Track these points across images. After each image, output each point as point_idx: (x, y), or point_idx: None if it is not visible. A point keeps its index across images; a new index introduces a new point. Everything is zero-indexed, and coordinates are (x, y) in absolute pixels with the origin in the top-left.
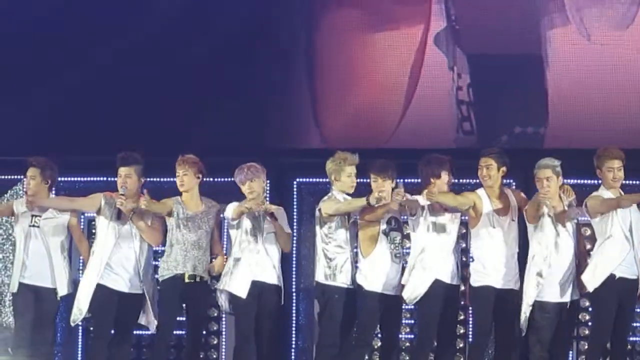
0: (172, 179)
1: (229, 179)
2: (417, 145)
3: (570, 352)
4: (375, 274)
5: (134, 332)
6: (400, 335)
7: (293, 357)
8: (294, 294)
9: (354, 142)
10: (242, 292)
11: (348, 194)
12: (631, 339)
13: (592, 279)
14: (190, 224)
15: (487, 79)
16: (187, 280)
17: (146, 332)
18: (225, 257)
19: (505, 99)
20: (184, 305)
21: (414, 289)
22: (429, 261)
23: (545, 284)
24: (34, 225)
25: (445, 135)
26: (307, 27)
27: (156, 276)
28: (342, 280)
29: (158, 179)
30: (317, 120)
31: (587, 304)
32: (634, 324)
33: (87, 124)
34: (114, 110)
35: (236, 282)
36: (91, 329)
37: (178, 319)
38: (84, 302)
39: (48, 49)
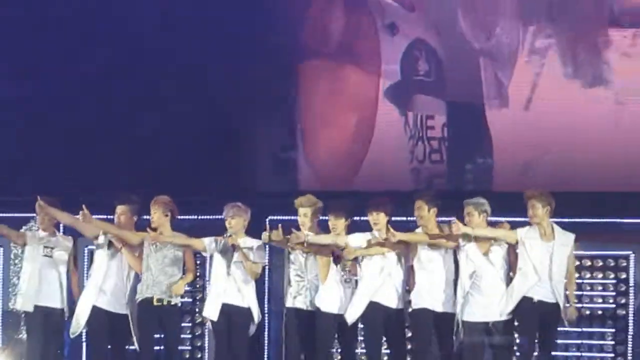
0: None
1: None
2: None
3: None
4: (329, 297)
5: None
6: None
7: None
8: (267, 314)
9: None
10: (214, 314)
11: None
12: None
13: (505, 305)
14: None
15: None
16: (155, 303)
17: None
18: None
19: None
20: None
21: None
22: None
23: (473, 304)
24: (46, 255)
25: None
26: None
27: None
28: (304, 302)
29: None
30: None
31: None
32: (560, 341)
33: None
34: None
35: (209, 306)
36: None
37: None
38: (82, 318)
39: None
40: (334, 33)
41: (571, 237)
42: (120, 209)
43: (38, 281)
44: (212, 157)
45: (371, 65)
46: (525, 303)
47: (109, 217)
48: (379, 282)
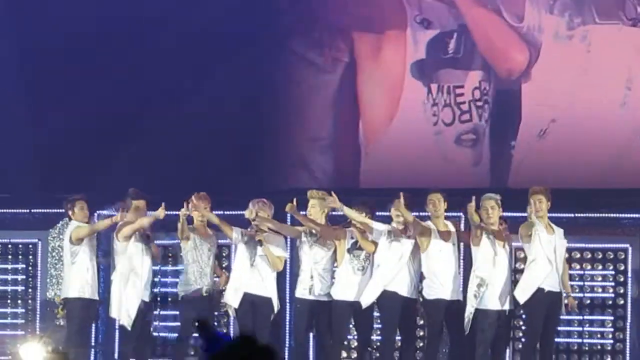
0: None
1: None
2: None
3: (507, 350)
4: (343, 285)
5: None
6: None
7: (287, 355)
8: (288, 303)
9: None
10: (235, 302)
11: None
12: (556, 340)
13: (522, 294)
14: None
15: None
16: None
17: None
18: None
19: None
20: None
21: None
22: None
23: (486, 294)
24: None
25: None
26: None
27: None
28: (309, 292)
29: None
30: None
31: (522, 312)
32: (559, 328)
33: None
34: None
35: (231, 294)
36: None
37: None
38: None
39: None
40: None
41: (562, 231)
42: (140, 203)
43: (94, 271)
44: (237, 153)
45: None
46: (537, 293)
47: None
48: (395, 270)
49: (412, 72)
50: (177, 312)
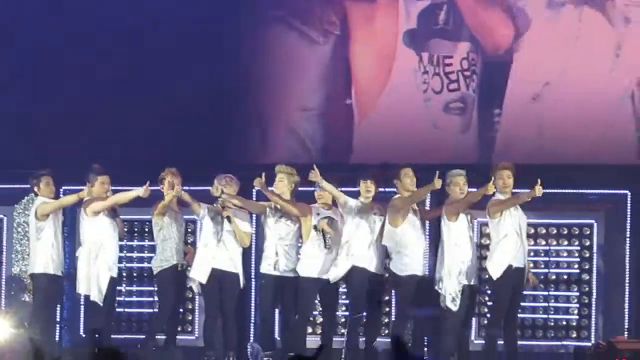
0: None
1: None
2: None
3: (473, 326)
4: (309, 261)
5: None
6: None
7: (252, 331)
8: (253, 279)
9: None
10: (203, 277)
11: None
12: (520, 315)
13: (495, 269)
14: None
15: None
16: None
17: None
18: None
19: None
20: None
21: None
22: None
23: (455, 271)
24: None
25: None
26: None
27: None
28: (284, 268)
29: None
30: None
31: (487, 287)
32: (524, 304)
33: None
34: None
35: (198, 269)
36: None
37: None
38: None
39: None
40: None
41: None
42: (105, 179)
43: (61, 248)
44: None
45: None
46: (507, 270)
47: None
48: (365, 245)
49: (404, 41)
50: (147, 288)
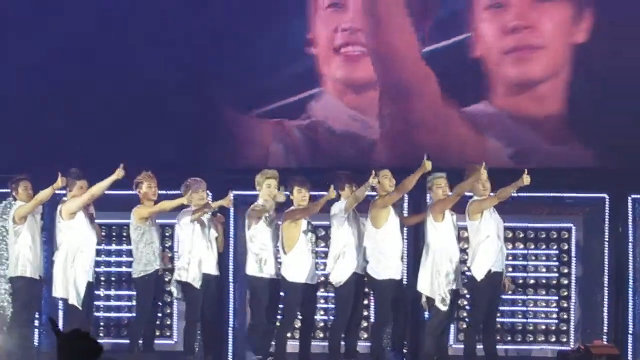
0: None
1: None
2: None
3: (452, 330)
4: (298, 267)
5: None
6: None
7: (230, 336)
8: (232, 284)
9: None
10: (198, 282)
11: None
12: (499, 320)
13: (479, 272)
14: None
15: None
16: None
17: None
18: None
19: None
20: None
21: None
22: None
23: (444, 271)
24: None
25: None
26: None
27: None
28: (268, 272)
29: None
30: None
31: (465, 292)
32: (503, 308)
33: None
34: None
35: (194, 274)
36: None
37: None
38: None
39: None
40: None
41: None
42: (84, 183)
43: (38, 251)
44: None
45: None
46: (487, 273)
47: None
48: (359, 249)
49: None
50: (124, 293)
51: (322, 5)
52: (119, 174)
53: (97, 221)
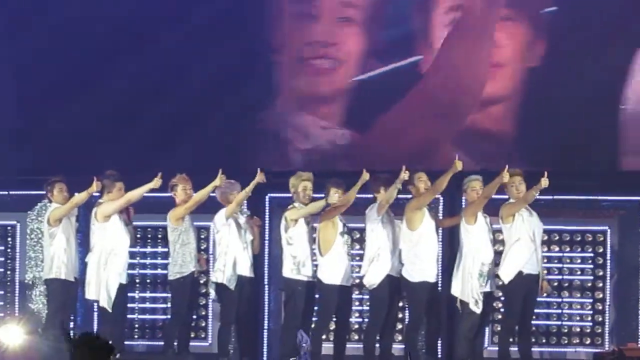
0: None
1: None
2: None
3: (487, 332)
4: (333, 269)
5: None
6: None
7: (265, 337)
8: (267, 286)
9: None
10: (233, 284)
11: (304, 204)
12: (533, 322)
13: (505, 274)
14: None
15: None
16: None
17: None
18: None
19: None
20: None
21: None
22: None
23: (476, 273)
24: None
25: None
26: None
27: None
28: (305, 274)
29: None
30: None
31: (500, 294)
32: (538, 310)
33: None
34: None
35: (229, 275)
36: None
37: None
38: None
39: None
40: None
41: (536, 214)
42: (121, 185)
43: (73, 253)
44: (213, 135)
45: None
46: (517, 276)
47: None
48: (393, 252)
49: None
50: (160, 295)
51: None
52: (156, 182)
53: (133, 223)
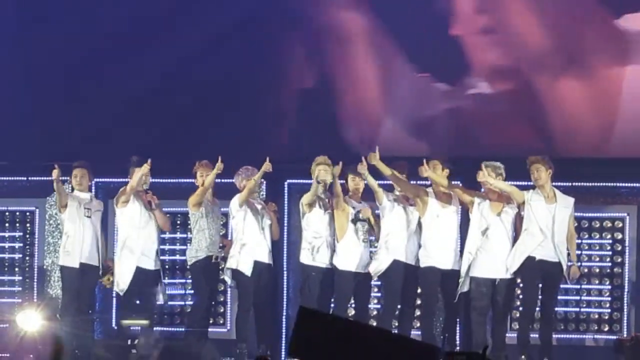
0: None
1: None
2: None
3: (508, 318)
4: (348, 255)
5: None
6: (369, 306)
7: (284, 324)
8: (285, 272)
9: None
10: (248, 270)
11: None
12: (556, 309)
13: (511, 262)
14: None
15: None
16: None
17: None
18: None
19: None
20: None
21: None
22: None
23: (478, 262)
24: (87, 216)
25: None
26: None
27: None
28: (321, 260)
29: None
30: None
31: (518, 281)
32: (559, 297)
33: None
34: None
35: (245, 261)
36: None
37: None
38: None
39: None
40: None
41: (571, 200)
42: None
43: (82, 240)
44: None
45: None
46: (528, 262)
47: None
48: (405, 239)
49: None
50: (179, 281)
51: None
52: (145, 168)
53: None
